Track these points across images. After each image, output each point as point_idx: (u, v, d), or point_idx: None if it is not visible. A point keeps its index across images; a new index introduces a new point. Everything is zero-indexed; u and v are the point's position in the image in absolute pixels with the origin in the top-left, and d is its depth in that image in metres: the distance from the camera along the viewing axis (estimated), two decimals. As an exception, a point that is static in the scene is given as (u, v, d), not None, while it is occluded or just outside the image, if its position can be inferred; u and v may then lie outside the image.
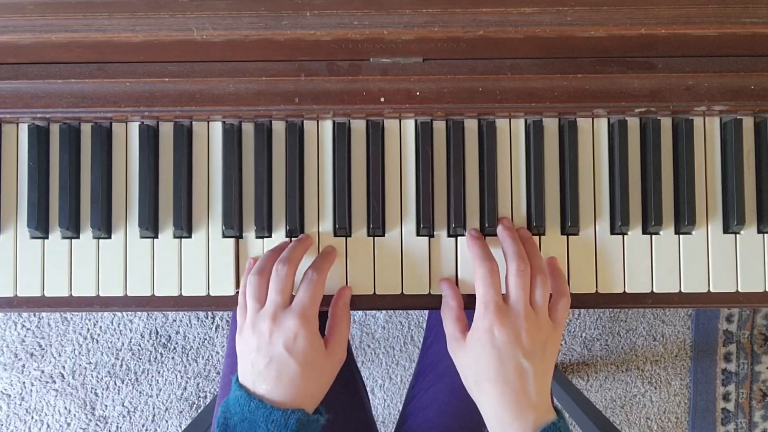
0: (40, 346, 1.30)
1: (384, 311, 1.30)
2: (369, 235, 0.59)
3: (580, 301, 0.59)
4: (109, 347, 1.30)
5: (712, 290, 0.59)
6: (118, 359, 1.30)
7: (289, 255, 0.55)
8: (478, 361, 0.52)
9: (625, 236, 0.59)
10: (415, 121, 0.60)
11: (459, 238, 0.59)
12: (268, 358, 0.52)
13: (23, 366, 1.30)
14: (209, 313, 1.29)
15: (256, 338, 0.53)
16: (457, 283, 0.59)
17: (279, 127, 0.60)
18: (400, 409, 0.80)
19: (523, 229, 0.59)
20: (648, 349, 1.32)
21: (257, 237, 0.59)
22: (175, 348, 1.30)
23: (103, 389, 1.30)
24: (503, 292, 0.55)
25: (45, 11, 0.52)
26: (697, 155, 0.59)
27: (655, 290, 0.59)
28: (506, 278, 0.55)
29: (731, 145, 0.58)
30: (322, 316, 0.57)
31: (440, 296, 0.59)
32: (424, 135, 0.59)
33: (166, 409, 1.31)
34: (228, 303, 0.59)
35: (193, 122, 0.60)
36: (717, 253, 0.59)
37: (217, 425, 0.52)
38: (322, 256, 0.58)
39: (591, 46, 0.55)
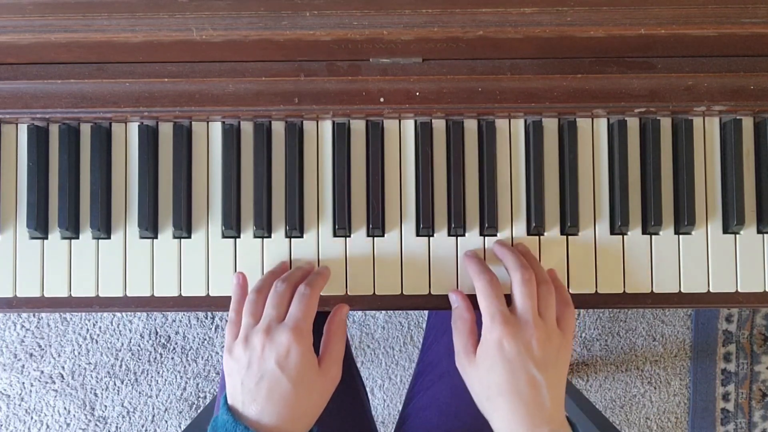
0: (40, 346, 1.29)
1: (384, 311, 1.30)
2: (369, 236, 0.59)
3: (580, 301, 0.59)
4: (108, 348, 1.30)
5: (711, 290, 0.59)
6: (117, 359, 1.30)
7: (288, 276, 0.55)
8: (489, 376, 0.51)
9: (625, 236, 0.59)
10: (415, 122, 0.60)
11: (459, 238, 0.59)
12: (259, 375, 0.50)
13: (23, 366, 1.30)
14: (209, 313, 1.29)
15: (248, 354, 0.51)
16: (457, 285, 0.59)
17: (278, 128, 0.60)
18: (400, 409, 0.80)
19: (521, 244, 0.59)
20: (648, 349, 1.32)
21: (256, 237, 0.59)
22: (174, 348, 1.30)
23: (102, 390, 1.30)
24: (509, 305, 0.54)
25: (44, 11, 0.52)
26: (696, 155, 0.59)
27: (654, 290, 0.59)
28: (511, 290, 0.54)
29: (731, 146, 0.58)
30: (318, 335, 0.56)
31: (440, 296, 0.59)
32: (424, 135, 0.59)
33: (166, 409, 1.31)
34: (227, 303, 0.59)
35: (193, 122, 0.60)
36: (716, 253, 0.59)
37: None
38: (316, 272, 0.57)
39: (590, 47, 0.55)
